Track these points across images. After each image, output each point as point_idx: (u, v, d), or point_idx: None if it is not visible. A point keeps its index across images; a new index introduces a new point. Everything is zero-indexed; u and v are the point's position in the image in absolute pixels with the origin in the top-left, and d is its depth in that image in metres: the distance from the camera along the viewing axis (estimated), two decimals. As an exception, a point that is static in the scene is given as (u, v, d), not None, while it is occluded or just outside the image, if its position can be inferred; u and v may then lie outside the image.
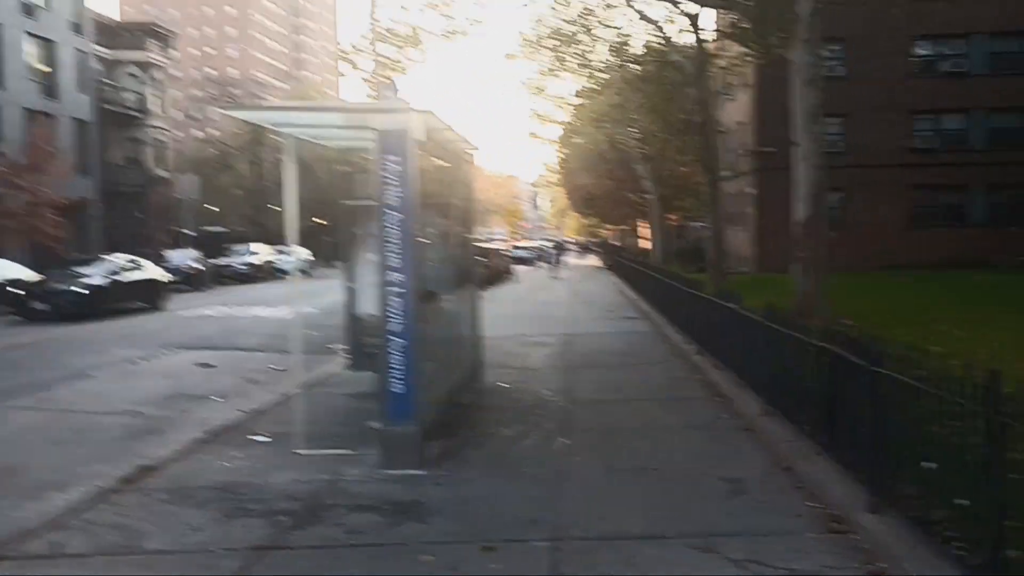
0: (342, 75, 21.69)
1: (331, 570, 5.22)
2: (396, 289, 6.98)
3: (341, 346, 12.14)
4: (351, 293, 11.15)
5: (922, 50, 35.76)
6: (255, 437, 8.69)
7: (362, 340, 10.73)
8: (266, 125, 7.34)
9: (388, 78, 19.33)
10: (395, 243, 6.95)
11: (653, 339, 15.89)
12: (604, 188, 53.75)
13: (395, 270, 6.97)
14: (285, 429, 8.47)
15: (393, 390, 7.02)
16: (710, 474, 6.70)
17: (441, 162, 9.55)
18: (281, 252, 47.45)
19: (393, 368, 7.01)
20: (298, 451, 7.77)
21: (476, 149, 10.98)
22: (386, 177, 6.93)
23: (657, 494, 6.29)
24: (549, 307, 24.14)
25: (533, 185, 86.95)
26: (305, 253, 49.52)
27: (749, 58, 28.20)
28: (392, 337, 7.00)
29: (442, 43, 21.74)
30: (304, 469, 7.30)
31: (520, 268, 48.68)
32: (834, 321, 15.49)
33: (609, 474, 6.83)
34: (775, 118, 31.02)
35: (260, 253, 44.85)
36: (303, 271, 46.71)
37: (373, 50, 17.74)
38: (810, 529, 5.48)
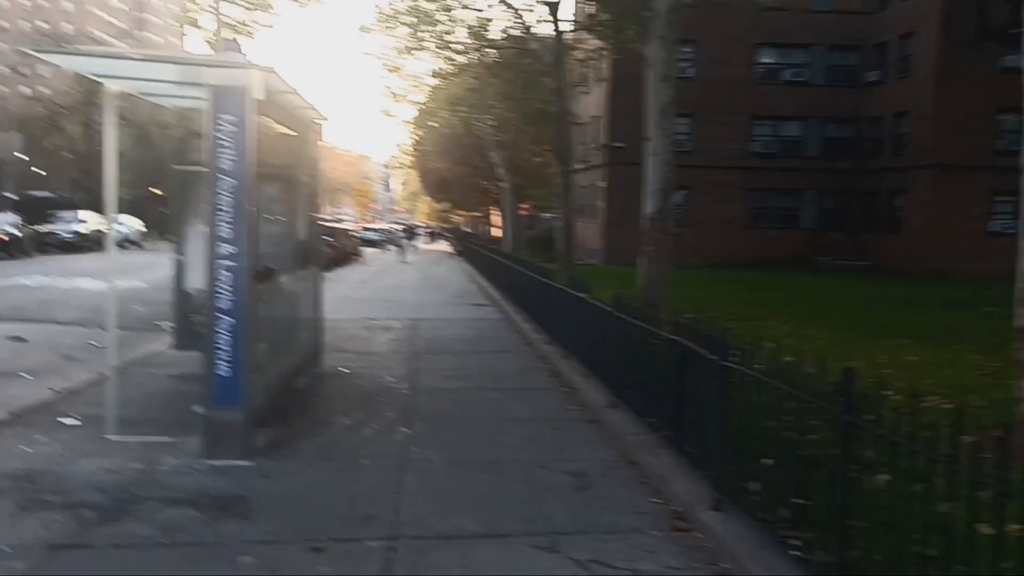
0: (185, 35, 20.29)
1: (137, 571, 4.64)
2: (226, 263, 6.36)
3: (168, 323, 11.26)
4: (180, 266, 10.31)
5: (766, 58, 37.44)
6: (64, 420, 7.82)
7: (190, 317, 9.93)
8: (86, 73, 6.51)
9: (233, 40, 18.18)
10: (227, 212, 6.33)
11: (503, 327, 15.70)
12: (458, 174, 53.45)
13: (226, 242, 6.35)
14: (99, 412, 7.65)
15: (219, 372, 6.42)
16: (555, 467, 6.48)
17: (285, 129, 8.92)
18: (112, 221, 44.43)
19: (220, 348, 6.40)
20: (110, 436, 7.00)
21: (325, 119, 10.35)
22: (220, 139, 6.29)
23: (499, 489, 6.00)
24: (397, 291, 23.59)
25: (385, 166, 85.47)
26: (137, 223, 46.62)
27: (605, 52, 28.59)
28: (220, 315, 6.38)
29: (294, 8, 20.66)
30: (116, 457, 6.58)
31: (369, 250, 47.73)
32: (674, 312, 15.95)
33: (450, 467, 6.48)
34: (628, 114, 31.66)
35: (89, 221, 41.89)
36: (132, 242, 44.06)
37: (217, 10, 16.59)
38: (655, 527, 5.33)
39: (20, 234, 34.36)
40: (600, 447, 7.17)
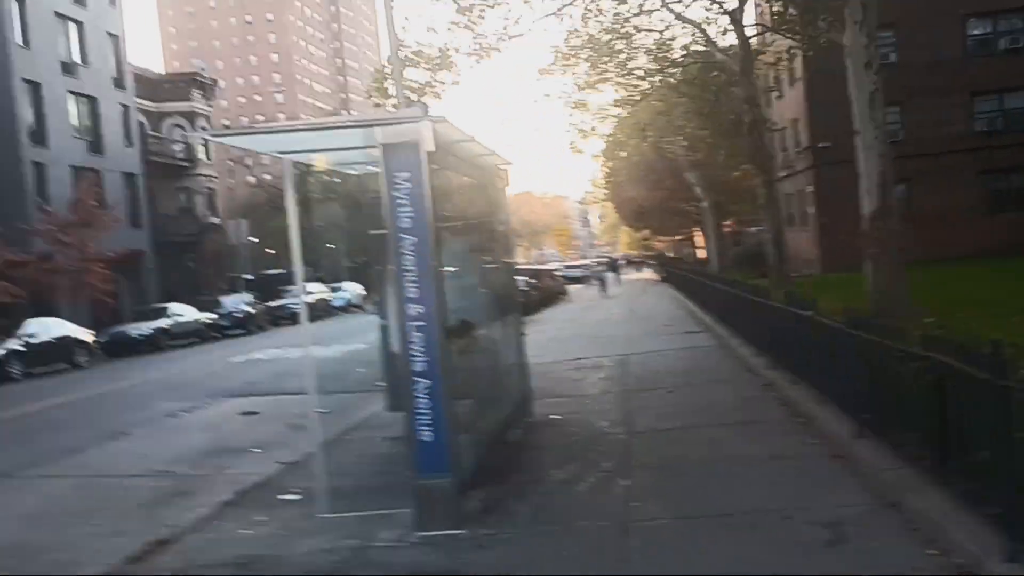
0: (378, 105, 21.20)
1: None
2: (417, 323, 6.09)
3: (381, 383, 11.36)
4: (384, 329, 10.32)
5: (976, 29, 33.99)
6: (285, 496, 7.87)
7: (399, 379, 9.89)
8: (262, 151, 6.58)
9: (418, 101, 18.63)
10: (412, 271, 6.07)
11: (718, 354, 14.72)
12: (654, 199, 52.55)
13: (414, 302, 6.08)
14: (320, 483, 7.63)
15: (422, 438, 6.12)
16: (801, 518, 5.61)
17: (468, 179, 8.70)
18: (334, 289, 47.31)
19: (420, 413, 6.11)
20: (323, 515, 6.88)
21: (509, 164, 10.10)
22: (396, 197, 6.07)
23: (738, 547, 5.24)
24: (603, 326, 23.04)
25: (581, 202, 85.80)
26: (359, 287, 49.30)
27: (796, 51, 26.97)
28: (416, 378, 6.10)
29: (472, 62, 20.96)
30: (331, 534, 6.43)
31: (573, 287, 47.59)
32: (917, 319, 14.32)
33: (678, 524, 5.79)
34: (829, 112, 29.67)
35: (314, 292, 44.77)
36: (356, 305, 46.58)
37: (401, 75, 17.05)
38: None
39: (254, 311, 37.07)
40: (852, 488, 6.19)
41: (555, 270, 46.61)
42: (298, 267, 7.26)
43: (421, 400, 6.11)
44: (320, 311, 42.58)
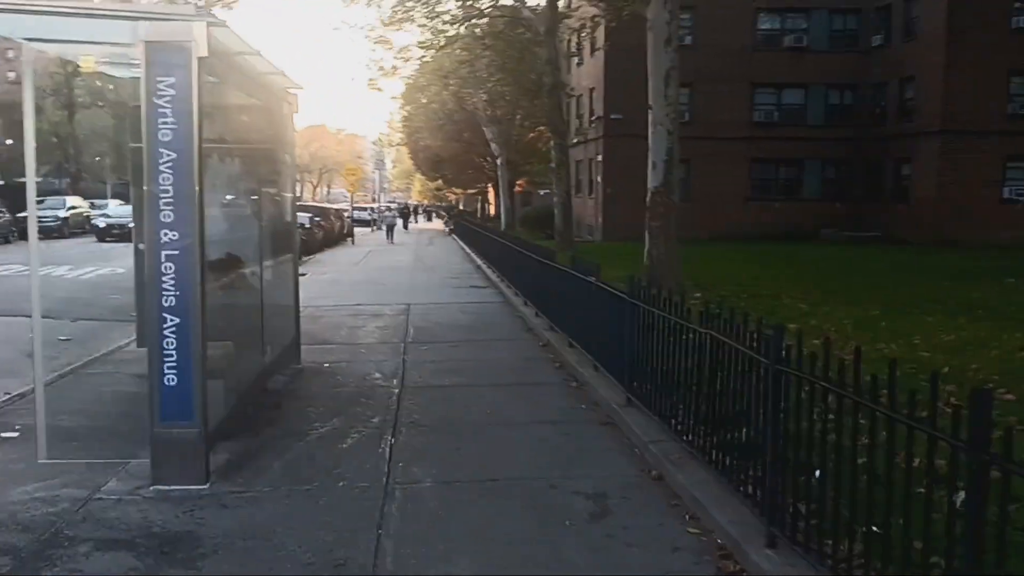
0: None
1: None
2: (170, 252, 5.33)
3: (134, 315, 10.29)
4: (141, 255, 9.27)
5: (766, 23, 36.15)
6: (3, 434, 6.83)
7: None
8: (7, 33, 5.46)
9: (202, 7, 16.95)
10: (168, 193, 5.29)
11: (501, 311, 14.69)
12: (451, 150, 52.23)
13: (168, 227, 5.31)
14: (47, 420, 6.66)
15: (166, 382, 5.40)
16: (566, 487, 5.48)
17: (249, 98, 7.86)
18: (94, 207, 43.41)
19: (166, 353, 5.38)
20: (45, 460, 5.99)
21: (299, 88, 9.27)
22: (158, 106, 5.24)
23: (502, 520, 5.01)
24: (388, 273, 22.53)
25: (376, 144, 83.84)
26: (127, 209, 45.31)
27: (599, 19, 27.38)
28: (164, 315, 5.36)
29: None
30: (52, 480, 5.60)
31: (361, 231, 46.54)
32: (687, 292, 15.06)
33: (443, 490, 5.48)
34: (625, 84, 30.51)
35: (75, 207, 40.85)
36: (122, 226, 42.79)
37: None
38: (698, 571, 4.35)
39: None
40: (618, 458, 6.17)
41: (343, 211, 45.16)
42: (31, 173, 6.18)
43: (168, 339, 5.38)
44: (77, 228, 38.93)
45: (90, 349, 10.61)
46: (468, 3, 27.59)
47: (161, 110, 5.26)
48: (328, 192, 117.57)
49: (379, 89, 35.84)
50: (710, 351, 5.34)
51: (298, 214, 30.62)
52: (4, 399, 8.11)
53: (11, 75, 79.42)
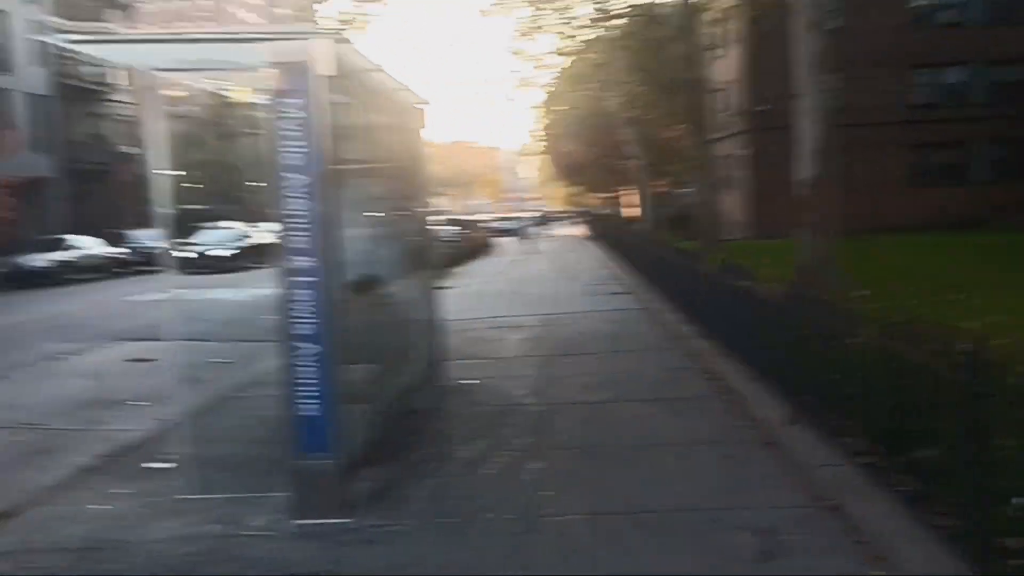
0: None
1: None
2: (303, 279, 5.18)
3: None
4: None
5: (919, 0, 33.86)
6: (153, 464, 6.94)
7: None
8: (126, 63, 5.53)
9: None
10: (300, 217, 5.15)
11: (646, 320, 14.12)
12: (590, 155, 51.78)
13: (301, 253, 5.17)
14: (197, 449, 6.72)
15: (303, 412, 5.26)
16: (730, 520, 4.95)
17: (378, 116, 7.73)
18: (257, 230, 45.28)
19: (302, 384, 5.24)
20: (185, 496, 5.94)
21: (426, 103, 9.11)
22: (284, 128, 5.11)
23: (660, 560, 4.54)
24: (529, 283, 22.33)
25: (517, 154, 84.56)
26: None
27: (740, 7, 26.30)
28: (299, 343, 5.21)
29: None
30: (194, 516, 5.55)
31: (502, 240, 46.77)
32: (850, 291, 13.98)
33: (594, 523, 5.07)
34: (768, 75, 29.24)
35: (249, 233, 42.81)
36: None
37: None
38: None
39: (165, 247, 35.16)
40: (786, 485, 5.55)
41: (484, 222, 45.57)
42: (165, 205, 6.23)
43: (304, 368, 5.23)
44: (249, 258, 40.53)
45: (245, 371, 10.83)
46: (599, 5, 27.15)
47: (290, 132, 5.13)
48: (470, 204, 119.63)
49: (519, 98, 36.08)
50: (891, 366, 4.70)
51: (441, 227, 30.99)
52: (158, 427, 8.29)
53: (174, 109, 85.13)
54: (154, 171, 6.12)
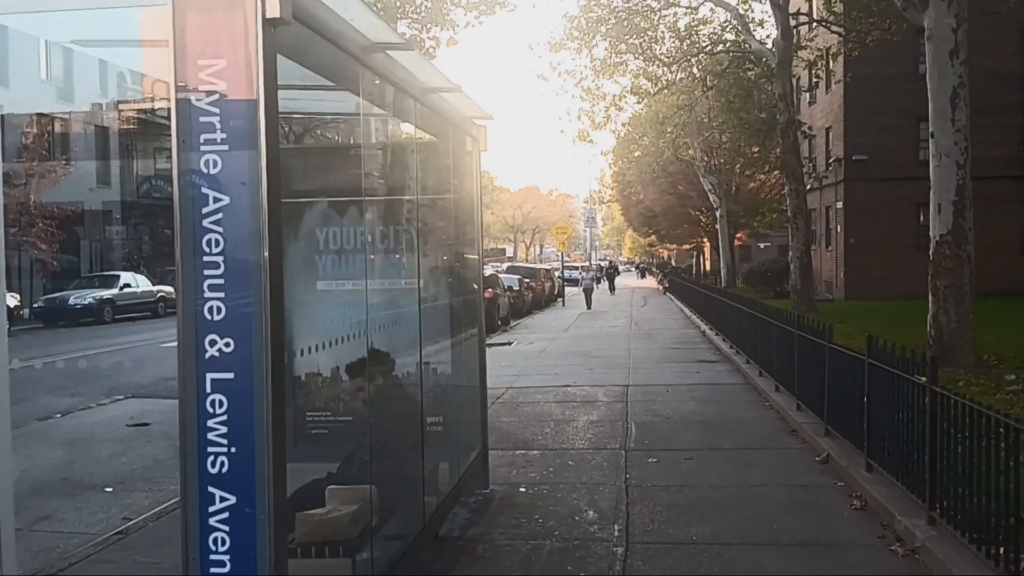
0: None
1: None
2: (219, 376, 2.93)
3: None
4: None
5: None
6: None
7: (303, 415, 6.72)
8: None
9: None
10: (214, 269, 2.93)
11: (744, 398, 11.58)
12: (664, 204, 49.40)
13: (214, 330, 2.93)
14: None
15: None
16: None
17: (410, 126, 5.57)
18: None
19: (214, 530, 2.97)
20: None
21: (488, 117, 6.91)
22: (195, 108, 2.92)
23: None
24: (601, 341, 19.87)
25: (586, 202, 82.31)
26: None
27: (844, 47, 23.76)
28: (212, 488, 2.95)
29: (471, 18, 17.92)
30: None
31: (572, 290, 44.38)
32: (994, 371, 11.60)
33: None
34: (866, 121, 26.59)
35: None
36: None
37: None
38: None
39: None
40: None
41: (554, 270, 43.34)
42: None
43: (218, 530, 2.97)
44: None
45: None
46: (689, 39, 25.02)
47: (203, 117, 2.94)
48: (541, 251, 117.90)
49: (590, 141, 33.87)
50: None
51: (506, 276, 28.87)
52: (114, 534, 6.25)
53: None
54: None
